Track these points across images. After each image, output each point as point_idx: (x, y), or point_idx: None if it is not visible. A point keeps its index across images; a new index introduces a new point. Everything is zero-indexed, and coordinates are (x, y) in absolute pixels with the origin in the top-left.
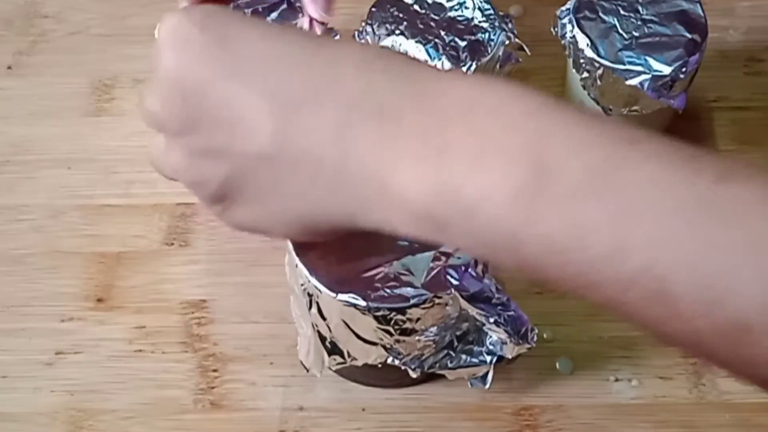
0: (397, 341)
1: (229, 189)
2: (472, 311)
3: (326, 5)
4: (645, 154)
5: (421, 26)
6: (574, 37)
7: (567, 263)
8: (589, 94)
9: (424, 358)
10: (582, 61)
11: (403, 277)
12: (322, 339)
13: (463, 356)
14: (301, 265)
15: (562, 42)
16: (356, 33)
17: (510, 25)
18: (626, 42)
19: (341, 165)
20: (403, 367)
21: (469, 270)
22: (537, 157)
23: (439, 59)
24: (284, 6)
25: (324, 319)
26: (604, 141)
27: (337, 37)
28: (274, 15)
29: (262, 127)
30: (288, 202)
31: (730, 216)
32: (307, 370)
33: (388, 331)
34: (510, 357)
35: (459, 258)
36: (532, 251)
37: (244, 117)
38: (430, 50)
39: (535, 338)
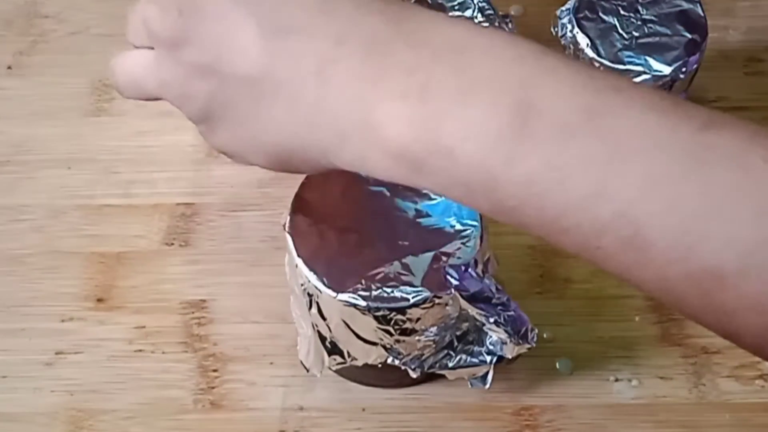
0: (397, 341)
1: (214, 107)
2: (472, 311)
3: None
4: (630, 100)
5: None
6: (574, 37)
7: (544, 206)
8: None
9: (424, 358)
10: (582, 61)
11: (403, 277)
12: (322, 339)
13: (463, 356)
14: (301, 265)
15: (562, 42)
16: None
17: (510, 25)
18: (626, 42)
19: (321, 97)
20: (403, 367)
21: (469, 270)
22: (522, 98)
23: None
24: None
25: (324, 319)
26: (590, 87)
27: None
28: None
29: (250, 49)
30: (266, 128)
31: (709, 164)
32: (307, 370)
33: (388, 331)
34: (510, 357)
35: (459, 258)
36: (510, 192)
37: (236, 37)
38: None
39: (535, 338)
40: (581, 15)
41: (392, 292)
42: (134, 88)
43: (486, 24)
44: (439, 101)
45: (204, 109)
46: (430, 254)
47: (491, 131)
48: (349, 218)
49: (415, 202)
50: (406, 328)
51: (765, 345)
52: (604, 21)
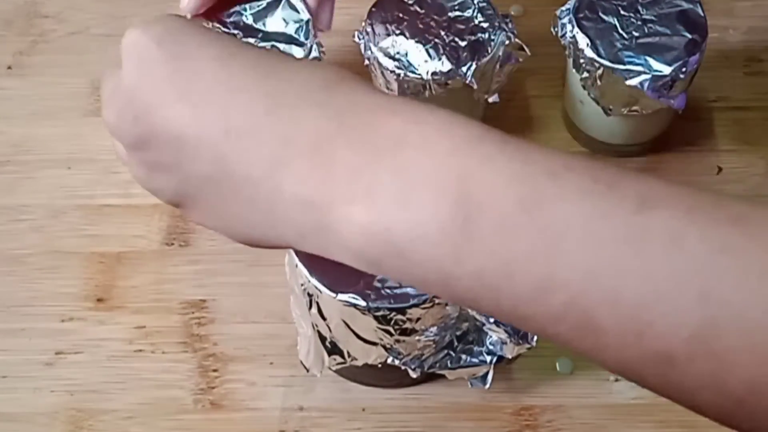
0: (397, 341)
1: (182, 198)
2: (472, 311)
3: (329, 21)
4: (564, 188)
5: (421, 26)
6: (574, 37)
7: (499, 298)
8: (589, 94)
9: (424, 358)
10: (582, 61)
11: None
12: (322, 339)
13: (463, 356)
14: (301, 265)
15: (562, 42)
16: (356, 33)
17: (510, 25)
18: (626, 42)
19: (277, 198)
20: (403, 367)
21: None
22: (461, 193)
23: (439, 59)
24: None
25: (324, 319)
26: (525, 176)
27: (314, 54)
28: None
29: (205, 152)
30: (232, 221)
31: (649, 247)
32: (307, 370)
33: (388, 331)
34: (510, 357)
35: None
36: (464, 287)
37: (190, 140)
38: (430, 50)
39: (535, 338)
40: (581, 15)
41: (392, 292)
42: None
43: (486, 24)
44: (385, 205)
45: (173, 200)
46: None
47: (436, 231)
48: None
49: None
50: (406, 328)
51: (729, 419)
52: (604, 21)
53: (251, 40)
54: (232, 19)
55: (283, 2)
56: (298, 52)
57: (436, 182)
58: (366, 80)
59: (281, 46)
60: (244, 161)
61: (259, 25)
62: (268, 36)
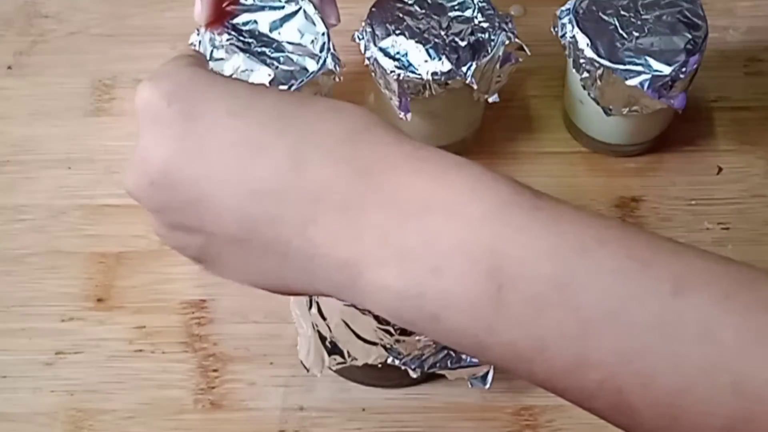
0: (398, 341)
1: (205, 256)
2: None
3: (336, 14)
4: (598, 265)
5: (421, 26)
6: (574, 37)
7: (533, 370)
8: (589, 94)
9: (424, 358)
10: (582, 61)
11: None
12: (322, 339)
13: (464, 356)
14: None
15: (562, 42)
16: (356, 33)
17: (510, 25)
18: (626, 42)
19: (309, 257)
20: (403, 367)
21: None
22: (493, 267)
23: (439, 59)
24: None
25: (324, 319)
26: (556, 251)
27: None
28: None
29: (229, 212)
30: (261, 276)
31: (683, 333)
32: (307, 370)
33: (388, 331)
34: None
35: None
36: (498, 356)
37: (212, 199)
38: (430, 50)
39: None
40: (581, 15)
41: None
42: None
43: (486, 24)
44: (416, 271)
45: (197, 258)
46: None
47: (468, 302)
48: None
49: None
50: (406, 328)
51: None
52: (604, 21)
53: (265, 50)
54: (247, 28)
55: (300, 14)
56: (311, 64)
57: (466, 253)
58: (390, 125)
59: (294, 57)
60: (273, 221)
61: (273, 35)
62: (281, 46)
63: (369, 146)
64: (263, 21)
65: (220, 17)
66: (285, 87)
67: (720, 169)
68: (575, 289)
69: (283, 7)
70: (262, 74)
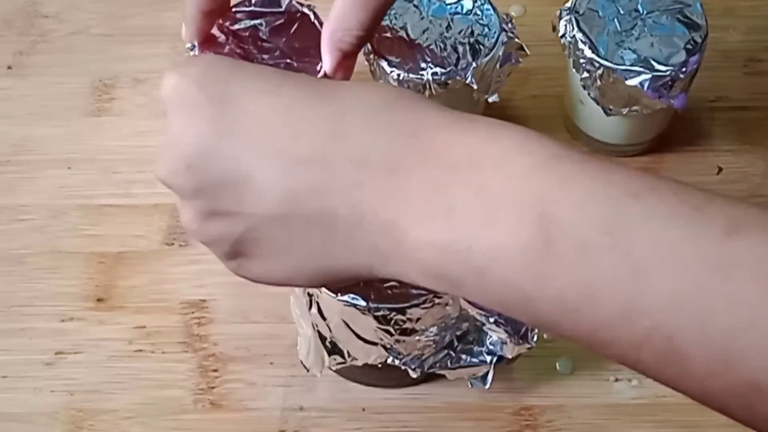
0: (398, 341)
1: (243, 247)
2: (472, 311)
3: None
4: (651, 209)
5: (421, 26)
6: (574, 37)
7: (580, 322)
8: (589, 94)
9: (424, 358)
10: (582, 61)
11: None
12: (323, 339)
13: (463, 356)
14: None
15: (562, 42)
16: None
17: (510, 25)
18: (626, 42)
19: (355, 223)
20: (403, 367)
21: None
22: (543, 214)
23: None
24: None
25: (324, 319)
26: (609, 196)
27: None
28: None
29: (271, 187)
30: (305, 257)
31: (738, 274)
32: (307, 370)
33: (388, 331)
34: (510, 357)
35: None
36: (545, 309)
37: (252, 178)
38: (430, 50)
39: (535, 338)
40: (581, 15)
41: (392, 291)
42: None
43: (486, 24)
44: (465, 223)
45: (233, 250)
46: None
47: (517, 252)
48: None
49: None
50: (406, 328)
51: None
52: (604, 21)
53: (266, 56)
54: (247, 34)
55: (301, 20)
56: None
57: (516, 202)
58: (424, 97)
59: (295, 63)
60: (318, 191)
61: (275, 42)
62: (283, 53)
63: (410, 111)
64: (264, 27)
65: (211, 39)
66: None
67: (720, 169)
68: (627, 232)
69: (283, 14)
70: None
